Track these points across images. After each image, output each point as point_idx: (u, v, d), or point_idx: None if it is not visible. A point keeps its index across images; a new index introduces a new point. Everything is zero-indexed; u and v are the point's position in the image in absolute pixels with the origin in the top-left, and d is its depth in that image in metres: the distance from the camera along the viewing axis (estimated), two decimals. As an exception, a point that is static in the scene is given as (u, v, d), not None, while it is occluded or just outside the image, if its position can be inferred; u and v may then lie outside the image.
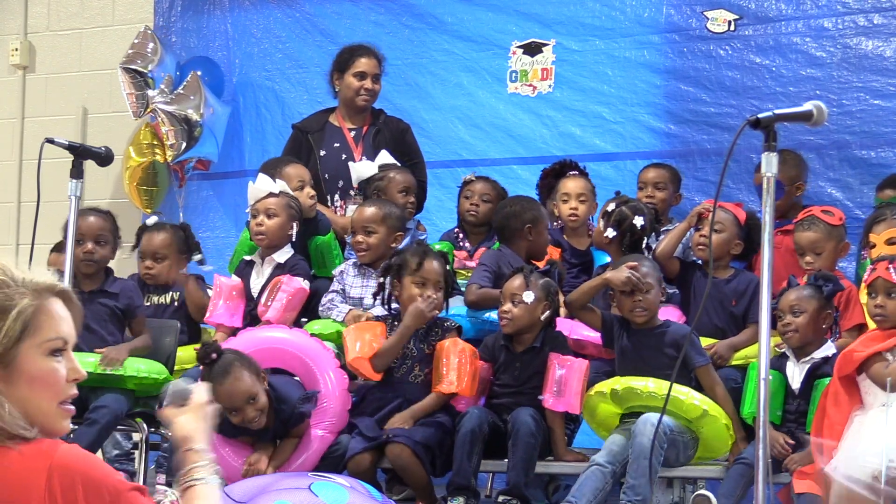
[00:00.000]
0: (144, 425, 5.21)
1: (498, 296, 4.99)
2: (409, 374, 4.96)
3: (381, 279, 5.11)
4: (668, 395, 4.03)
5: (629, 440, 4.56)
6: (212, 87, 7.55)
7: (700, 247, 5.24)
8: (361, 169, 5.92)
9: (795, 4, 6.58)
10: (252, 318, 5.37)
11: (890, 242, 4.92)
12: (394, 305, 5.12)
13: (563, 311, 5.12)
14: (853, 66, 6.43)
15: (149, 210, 7.58)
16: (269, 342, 5.00)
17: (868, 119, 6.37)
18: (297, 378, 4.96)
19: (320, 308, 5.39)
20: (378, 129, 6.17)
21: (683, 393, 4.60)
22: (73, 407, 2.17)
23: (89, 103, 8.19)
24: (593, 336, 5.11)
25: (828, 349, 4.66)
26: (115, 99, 7.72)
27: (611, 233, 5.26)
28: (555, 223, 5.85)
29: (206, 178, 7.81)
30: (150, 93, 7.44)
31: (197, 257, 5.78)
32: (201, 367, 4.71)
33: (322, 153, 6.14)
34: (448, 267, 5.11)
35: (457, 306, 5.29)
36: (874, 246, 4.97)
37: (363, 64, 6.18)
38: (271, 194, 5.47)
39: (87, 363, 4.77)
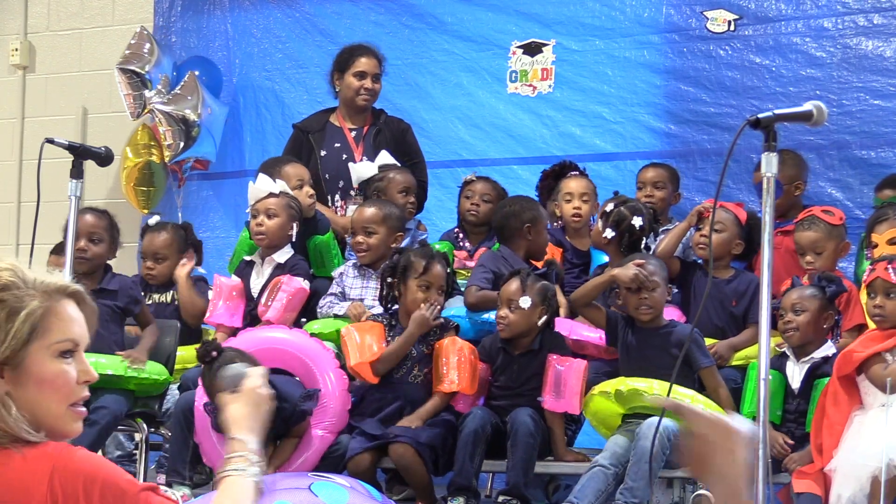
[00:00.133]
0: (144, 425, 5.21)
1: (497, 298, 4.98)
2: (408, 375, 4.95)
3: (385, 279, 5.11)
4: (668, 396, 4.02)
5: (632, 441, 4.55)
6: (209, 86, 7.54)
7: (700, 246, 5.24)
8: (361, 169, 5.92)
9: (795, 4, 6.58)
10: (252, 319, 5.37)
11: (892, 242, 4.93)
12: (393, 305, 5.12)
13: (562, 311, 5.12)
14: (853, 66, 6.43)
15: (145, 211, 7.58)
16: (269, 342, 4.99)
17: (868, 119, 6.36)
18: (297, 378, 4.96)
19: (318, 309, 5.39)
20: (379, 129, 6.17)
21: (688, 396, 4.59)
22: (84, 409, 2.15)
23: (89, 103, 8.19)
24: (593, 336, 5.11)
25: (828, 349, 4.66)
26: (115, 99, 7.72)
27: (609, 233, 5.25)
28: (555, 223, 5.85)
29: (205, 178, 7.80)
30: (148, 93, 7.44)
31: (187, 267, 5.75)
32: (202, 366, 4.72)
33: (323, 153, 6.14)
34: (449, 269, 5.11)
35: (457, 307, 5.29)
36: (876, 246, 4.97)
37: (363, 64, 6.18)
38: (271, 194, 5.47)
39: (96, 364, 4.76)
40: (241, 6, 7.84)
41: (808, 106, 3.53)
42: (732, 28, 6.70)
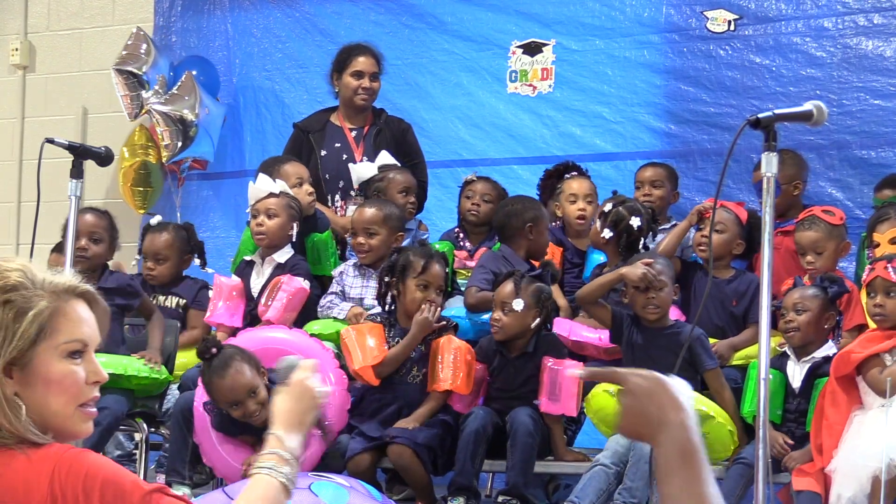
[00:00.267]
0: (144, 425, 5.21)
1: (496, 299, 4.98)
2: (407, 375, 4.95)
3: (384, 278, 5.11)
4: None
5: (633, 441, 4.55)
6: (206, 86, 7.54)
7: (701, 247, 5.24)
8: (362, 170, 5.92)
9: (795, 4, 6.58)
10: (252, 318, 5.37)
11: (894, 242, 4.92)
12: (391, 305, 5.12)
13: (562, 311, 5.12)
14: (853, 66, 6.43)
15: (142, 211, 7.59)
16: (269, 342, 4.99)
17: (868, 119, 6.36)
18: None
19: (319, 309, 5.39)
20: (379, 129, 6.17)
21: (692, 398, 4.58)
22: (95, 409, 2.15)
23: (89, 103, 8.19)
24: (592, 337, 5.10)
25: (829, 349, 4.66)
26: (115, 99, 7.70)
27: (607, 233, 5.25)
28: (555, 223, 5.84)
29: (205, 178, 7.80)
30: (145, 94, 7.44)
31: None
32: (202, 363, 4.72)
33: (323, 153, 6.13)
34: (448, 268, 5.11)
35: (457, 307, 5.29)
36: (878, 245, 4.97)
37: (360, 63, 6.17)
38: (272, 194, 5.47)
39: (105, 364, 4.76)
40: (241, 6, 7.84)
41: (808, 106, 3.53)
42: (732, 28, 6.70)
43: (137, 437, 5.33)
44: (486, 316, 5.19)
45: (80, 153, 4.37)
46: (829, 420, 4.42)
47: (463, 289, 5.37)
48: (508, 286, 4.85)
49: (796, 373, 4.67)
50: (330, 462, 4.79)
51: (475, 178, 5.95)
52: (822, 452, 4.40)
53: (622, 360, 4.89)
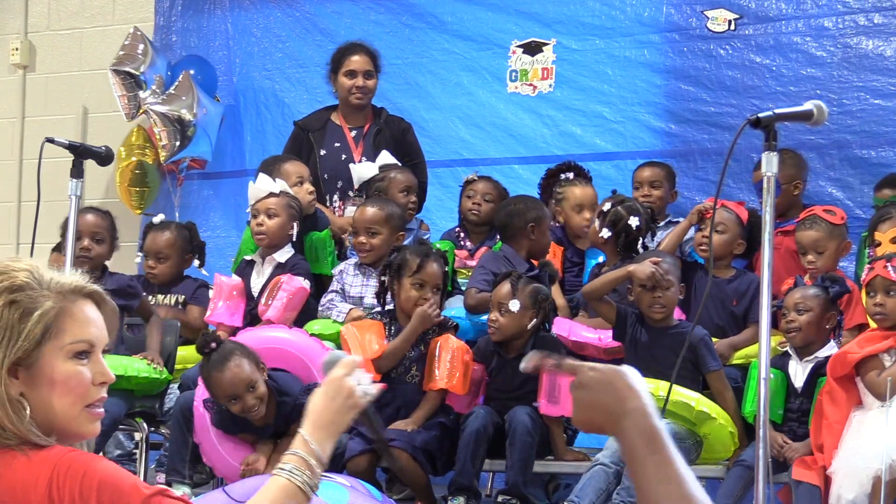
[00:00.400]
0: (145, 425, 5.21)
1: (496, 300, 4.97)
2: (406, 374, 4.95)
3: (380, 276, 5.11)
4: (668, 396, 4.02)
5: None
6: (204, 86, 7.53)
7: (702, 247, 5.24)
8: (362, 170, 5.91)
9: (795, 4, 6.58)
10: (252, 318, 5.37)
11: (895, 241, 4.92)
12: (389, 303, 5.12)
13: (561, 311, 5.11)
14: (853, 65, 6.43)
15: (138, 211, 7.59)
16: (269, 342, 4.99)
17: (868, 118, 6.36)
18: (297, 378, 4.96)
19: (320, 307, 5.39)
20: (379, 128, 6.16)
21: (693, 399, 4.58)
22: (101, 410, 2.15)
23: (89, 103, 8.19)
24: (592, 337, 5.10)
25: (831, 348, 4.65)
26: (115, 98, 7.71)
27: (606, 233, 5.24)
28: (554, 222, 5.83)
29: (205, 177, 7.80)
30: (142, 94, 7.44)
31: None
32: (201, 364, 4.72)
33: (322, 152, 6.13)
34: (447, 267, 5.10)
35: (457, 307, 5.28)
36: (879, 244, 4.97)
37: (353, 62, 6.15)
38: (272, 194, 5.46)
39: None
40: (241, 6, 7.83)
41: (808, 105, 3.52)
42: (733, 27, 6.70)
43: (137, 436, 5.33)
44: (485, 317, 5.19)
45: (81, 153, 4.37)
46: (829, 419, 4.42)
47: (463, 289, 5.37)
48: (505, 287, 4.84)
49: (798, 372, 4.67)
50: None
51: (476, 178, 5.94)
52: (823, 451, 4.40)
53: (624, 359, 4.89)
